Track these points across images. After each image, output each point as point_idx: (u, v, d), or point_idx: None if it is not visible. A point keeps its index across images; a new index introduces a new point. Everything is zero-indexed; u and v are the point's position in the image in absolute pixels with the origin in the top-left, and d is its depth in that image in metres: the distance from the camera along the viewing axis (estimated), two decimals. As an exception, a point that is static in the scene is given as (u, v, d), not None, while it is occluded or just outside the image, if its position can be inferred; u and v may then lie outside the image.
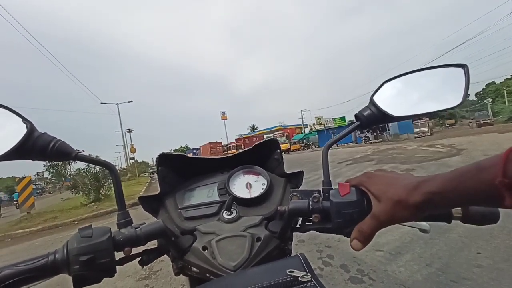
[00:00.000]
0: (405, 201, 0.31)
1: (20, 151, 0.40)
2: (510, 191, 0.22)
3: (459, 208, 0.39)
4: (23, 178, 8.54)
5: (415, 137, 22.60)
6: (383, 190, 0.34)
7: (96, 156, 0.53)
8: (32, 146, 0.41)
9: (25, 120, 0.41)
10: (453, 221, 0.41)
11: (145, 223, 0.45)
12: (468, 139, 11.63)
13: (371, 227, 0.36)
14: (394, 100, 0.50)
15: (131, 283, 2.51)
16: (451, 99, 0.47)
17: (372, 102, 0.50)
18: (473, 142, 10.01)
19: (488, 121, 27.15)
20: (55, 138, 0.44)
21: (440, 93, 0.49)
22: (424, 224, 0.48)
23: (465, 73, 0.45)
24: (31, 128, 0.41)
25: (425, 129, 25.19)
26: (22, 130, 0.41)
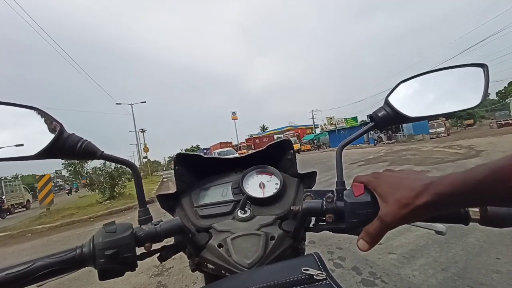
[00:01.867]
0: (412, 203, 0.30)
1: (51, 151, 0.43)
2: None
3: (477, 210, 0.39)
4: (43, 175, 8.93)
5: (431, 138, 21.89)
6: (390, 192, 0.34)
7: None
8: (62, 146, 0.44)
9: (55, 121, 0.44)
10: (470, 224, 0.40)
11: (162, 221, 0.47)
12: (488, 140, 11.14)
13: (377, 229, 0.35)
14: (410, 101, 0.50)
15: (144, 279, 2.58)
16: (470, 99, 0.46)
17: (387, 102, 0.50)
18: (493, 143, 9.58)
19: (510, 121, 25.88)
20: (82, 138, 0.46)
21: (458, 93, 0.49)
22: (440, 226, 0.48)
23: (484, 73, 0.44)
24: (61, 129, 0.43)
25: (442, 129, 24.32)
26: (53, 130, 0.43)
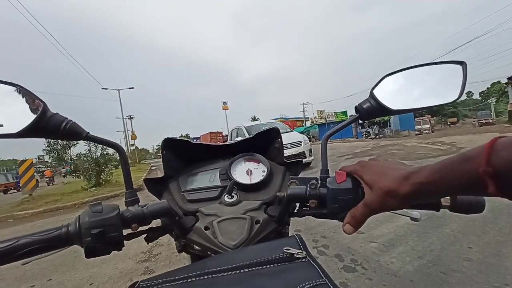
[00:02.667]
0: (395, 191, 0.33)
1: (34, 129, 0.42)
2: (492, 180, 0.24)
3: (448, 197, 0.41)
4: (25, 160, 8.60)
5: (416, 134, 22.54)
6: (375, 180, 0.36)
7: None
8: (46, 125, 0.43)
9: (39, 99, 0.43)
10: (448, 217, 0.43)
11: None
12: (469, 138, 11.62)
13: (362, 213, 0.38)
14: (394, 94, 0.52)
15: (131, 265, 2.59)
16: (449, 95, 0.48)
17: (371, 95, 0.52)
18: (473, 141, 10.00)
19: (490, 121, 26.96)
20: (67, 118, 0.46)
21: (438, 88, 0.51)
22: (415, 213, 0.51)
23: (463, 70, 0.47)
24: (44, 108, 0.43)
25: (427, 126, 25.08)
26: (36, 109, 0.42)
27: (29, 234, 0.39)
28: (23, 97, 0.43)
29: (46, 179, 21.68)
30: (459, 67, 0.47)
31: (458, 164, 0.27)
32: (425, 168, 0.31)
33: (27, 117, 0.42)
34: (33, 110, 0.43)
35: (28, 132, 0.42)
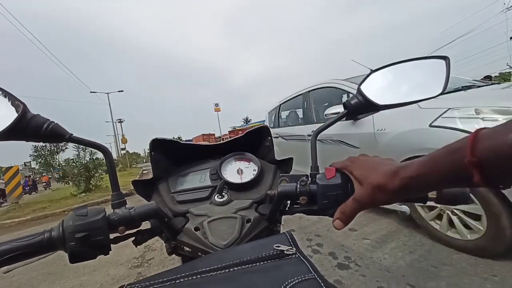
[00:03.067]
0: (384, 186, 0.33)
1: (14, 132, 0.41)
2: (477, 169, 0.24)
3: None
4: (10, 167, 8.32)
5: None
6: (365, 175, 0.37)
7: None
8: (26, 127, 0.41)
9: (18, 101, 0.41)
10: (428, 202, 0.44)
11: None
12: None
13: (352, 208, 0.38)
14: (380, 90, 0.52)
15: (123, 271, 2.53)
16: (433, 89, 0.49)
17: (359, 91, 0.52)
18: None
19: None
20: (48, 120, 0.44)
21: (423, 83, 0.52)
22: (404, 207, 0.52)
23: (446, 65, 0.48)
24: (24, 109, 0.41)
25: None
26: (15, 111, 0.41)
27: (10, 240, 0.38)
28: (1, 98, 0.42)
29: (43, 184, 22.47)
30: (443, 62, 0.48)
31: (444, 157, 0.28)
32: (413, 163, 0.31)
33: (6, 119, 0.40)
34: (12, 112, 0.41)
35: (7, 134, 0.41)
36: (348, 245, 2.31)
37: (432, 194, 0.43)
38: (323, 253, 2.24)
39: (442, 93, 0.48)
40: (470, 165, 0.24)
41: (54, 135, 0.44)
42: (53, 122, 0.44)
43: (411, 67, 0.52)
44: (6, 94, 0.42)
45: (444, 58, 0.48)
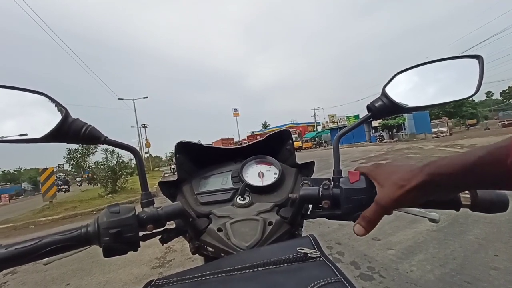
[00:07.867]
0: (408, 184, 0.31)
1: (57, 135, 0.44)
2: None
3: (468, 195, 0.40)
4: (46, 169, 8.99)
5: (433, 137, 21.76)
6: (388, 177, 0.35)
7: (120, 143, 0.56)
8: (67, 130, 0.45)
9: (61, 106, 0.45)
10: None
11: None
12: (490, 140, 11.08)
13: (374, 213, 0.36)
14: (406, 91, 0.51)
15: (146, 270, 2.62)
16: (465, 90, 0.47)
17: (384, 93, 0.51)
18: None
19: (514, 122, 25.64)
20: (87, 123, 0.48)
21: (454, 84, 0.49)
22: (434, 214, 0.49)
23: (479, 64, 0.45)
24: (66, 114, 0.45)
25: (444, 128, 24.20)
26: (59, 115, 0.45)
27: (51, 234, 0.41)
28: (46, 103, 0.46)
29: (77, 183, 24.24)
30: (475, 62, 0.46)
31: (482, 156, 0.26)
32: (443, 159, 0.29)
33: (51, 123, 0.44)
34: (55, 116, 0.45)
35: (51, 136, 0.44)
36: (372, 255, 2.21)
37: (466, 200, 0.40)
38: (344, 262, 2.16)
39: (475, 94, 0.46)
40: None
41: (92, 137, 0.48)
42: (91, 125, 0.48)
43: (439, 68, 0.50)
44: (51, 100, 0.46)
45: (477, 57, 0.46)
